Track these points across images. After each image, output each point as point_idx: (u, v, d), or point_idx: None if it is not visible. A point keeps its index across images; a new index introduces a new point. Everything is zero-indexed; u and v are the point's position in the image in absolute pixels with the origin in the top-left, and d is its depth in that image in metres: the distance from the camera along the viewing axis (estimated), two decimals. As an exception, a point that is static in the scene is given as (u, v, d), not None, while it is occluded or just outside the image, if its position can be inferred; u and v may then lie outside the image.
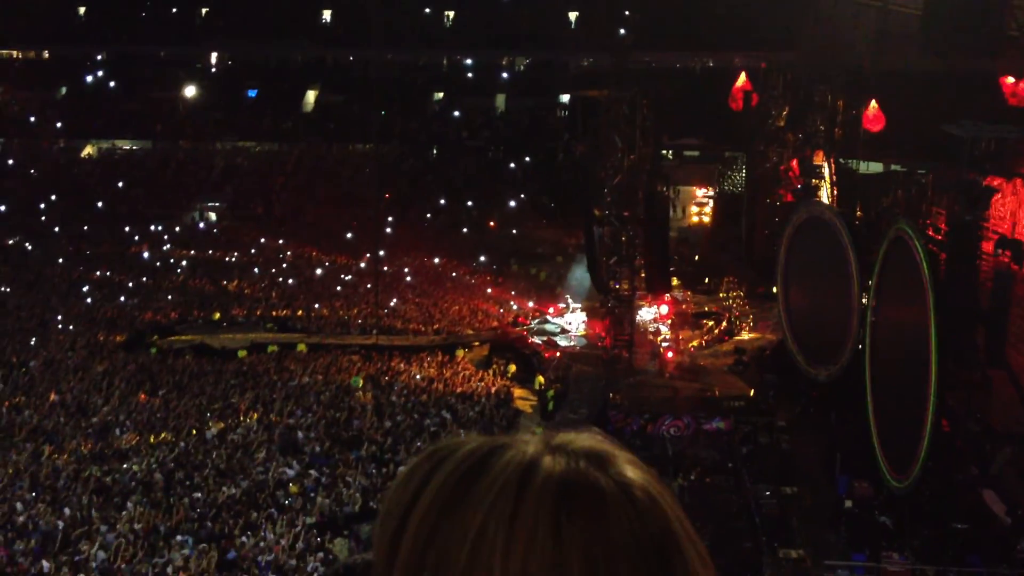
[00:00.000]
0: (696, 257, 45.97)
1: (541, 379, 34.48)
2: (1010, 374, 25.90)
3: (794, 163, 41.60)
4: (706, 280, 43.73)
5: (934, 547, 22.44)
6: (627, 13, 57.05)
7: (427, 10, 61.69)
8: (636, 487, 1.23)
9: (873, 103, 39.34)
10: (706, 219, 51.62)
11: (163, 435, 29.57)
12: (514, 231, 49.50)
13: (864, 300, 29.06)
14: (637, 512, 1.20)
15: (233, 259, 47.72)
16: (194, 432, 29.85)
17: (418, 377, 34.53)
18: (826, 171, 39.60)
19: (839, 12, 45.22)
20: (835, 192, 38.79)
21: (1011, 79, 39.35)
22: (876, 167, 43.20)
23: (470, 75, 61.53)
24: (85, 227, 50.75)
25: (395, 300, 41.84)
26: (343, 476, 27.61)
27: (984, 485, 24.08)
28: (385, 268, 44.64)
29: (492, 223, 50.78)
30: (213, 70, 63.27)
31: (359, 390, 32.81)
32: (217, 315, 39.88)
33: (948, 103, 38.29)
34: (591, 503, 1.20)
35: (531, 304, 41.85)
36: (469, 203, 52.32)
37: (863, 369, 27.94)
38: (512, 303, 42.08)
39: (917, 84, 42.29)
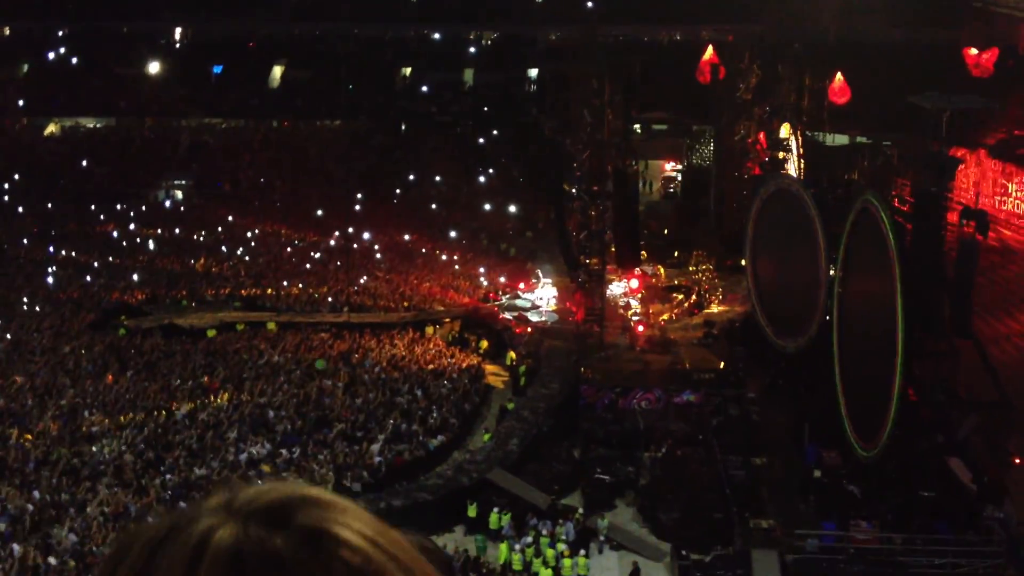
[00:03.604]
0: (665, 231, 46.09)
1: (513, 355, 34.51)
2: (975, 343, 26.20)
3: (761, 136, 41.74)
4: (675, 254, 43.87)
5: (902, 515, 22.77)
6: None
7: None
8: (329, 536, 1.15)
9: (839, 75, 39.49)
10: (675, 192, 51.75)
11: (132, 416, 29.33)
12: (485, 206, 49.31)
13: (831, 272, 29.26)
14: (324, 565, 1.13)
15: (200, 238, 47.24)
16: (164, 413, 29.63)
17: (384, 351, 34.51)
18: (793, 144, 39.76)
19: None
20: (802, 164, 38.96)
21: (974, 50, 39.66)
22: (842, 139, 43.44)
23: (438, 50, 61.09)
24: (49, 206, 50.05)
25: (365, 277, 41.68)
26: (315, 455, 27.62)
27: (950, 453, 24.40)
28: (355, 245, 44.41)
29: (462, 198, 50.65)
30: (177, 46, 62.41)
31: (323, 371, 32.70)
32: (183, 301, 39.37)
33: (913, 75, 38.52)
34: (262, 569, 1.12)
35: (502, 279, 41.78)
36: (438, 178, 52.09)
37: (831, 340, 28.17)
38: (483, 279, 42.00)
39: (882, 56, 42.57)
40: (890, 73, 40.74)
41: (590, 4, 53.45)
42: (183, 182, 53.54)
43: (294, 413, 30.09)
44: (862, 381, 26.37)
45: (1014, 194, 35.91)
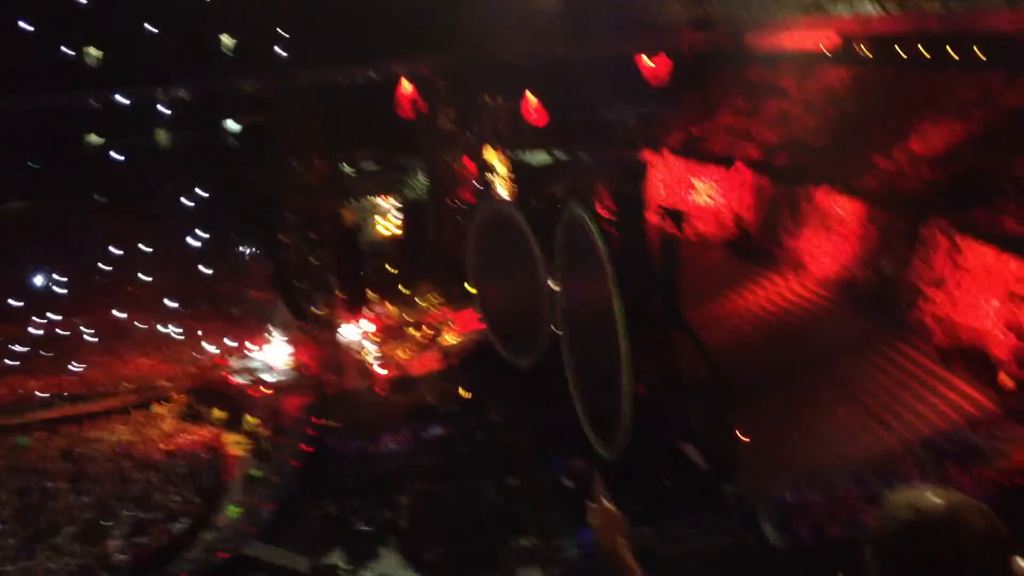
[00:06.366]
0: (389, 267, 46.10)
1: (251, 419, 33.21)
2: (688, 332, 27.80)
3: (468, 162, 42.76)
4: (403, 289, 43.94)
5: (649, 507, 23.65)
6: (281, 32, 56.14)
7: (65, 49, 57.57)
8: None
9: (531, 96, 41.11)
10: (395, 229, 51.92)
11: None
12: (202, 269, 47.26)
13: (552, 285, 30.21)
14: None
15: None
16: None
17: (109, 439, 32.43)
18: (499, 166, 40.99)
19: (487, 11, 46.82)
20: (511, 186, 40.20)
21: (647, 59, 42.48)
22: (543, 156, 45.19)
23: (126, 114, 58.08)
24: None
25: (77, 364, 38.84)
26: (47, 565, 25.29)
27: (682, 439, 25.70)
28: (61, 331, 41.34)
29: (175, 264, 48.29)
30: None
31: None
32: None
33: (598, 88, 40.71)
34: None
35: (229, 343, 40.17)
36: (146, 248, 49.38)
37: (561, 350, 29.05)
38: (208, 345, 40.20)
39: (568, 73, 44.60)
40: (578, 89, 42.74)
41: (282, 52, 52.67)
42: None
43: (17, 524, 27.51)
44: (594, 385, 27.34)
45: (699, 188, 38.77)
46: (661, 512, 23.15)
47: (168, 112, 58.26)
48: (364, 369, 36.37)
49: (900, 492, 2.77)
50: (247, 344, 39.83)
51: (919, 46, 31.95)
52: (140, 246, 49.11)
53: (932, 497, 2.69)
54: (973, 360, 22.34)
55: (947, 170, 27.41)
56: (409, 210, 50.89)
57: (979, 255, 23.48)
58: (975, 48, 29.53)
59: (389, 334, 39.78)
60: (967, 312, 23.41)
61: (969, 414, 21.23)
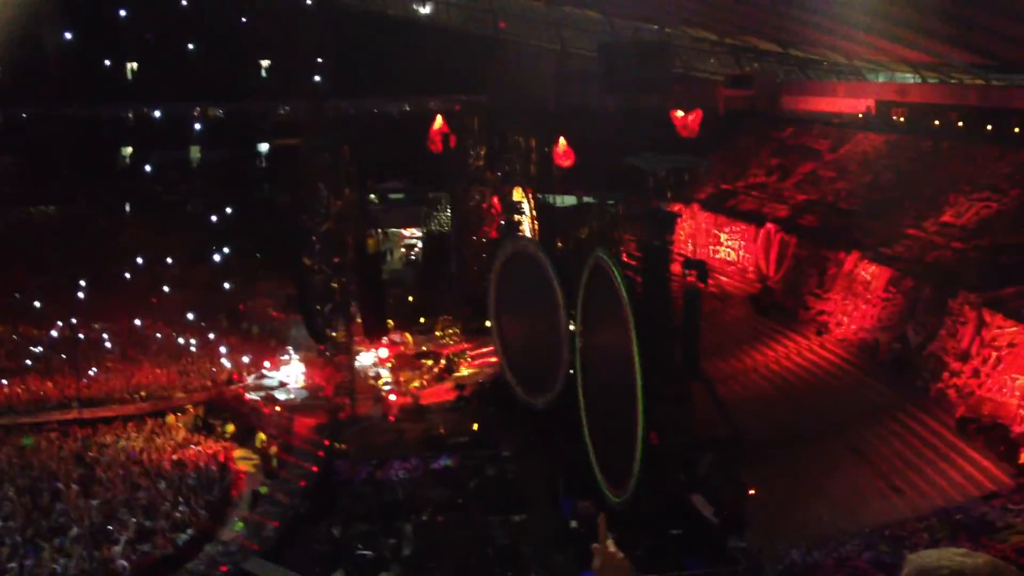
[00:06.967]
0: (410, 298, 46.35)
1: (262, 436, 33.28)
2: (705, 384, 27.86)
3: (495, 200, 43.10)
4: (422, 320, 44.16)
5: (655, 555, 23.59)
6: (320, 61, 57.00)
7: (107, 62, 58.55)
8: None
9: (562, 140, 41.52)
10: (416, 259, 52.28)
11: None
12: (223, 286, 47.64)
13: (572, 327, 30.33)
14: None
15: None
16: None
17: (121, 445, 32.49)
18: (526, 206, 41.28)
19: (522, 55, 47.54)
20: (536, 226, 40.45)
21: (680, 112, 42.92)
22: (570, 200, 45.44)
23: (160, 128, 58.95)
24: None
25: (95, 369, 39.04)
26: (50, 565, 25.29)
27: (692, 490, 25.66)
28: (81, 336, 41.59)
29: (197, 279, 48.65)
30: None
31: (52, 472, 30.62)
32: None
33: (629, 137, 41.09)
34: None
35: (246, 359, 40.35)
36: (169, 260, 49.83)
37: (576, 393, 29.09)
38: (225, 360, 40.39)
39: (600, 120, 45.11)
40: (609, 136, 43.21)
41: (317, 79, 53.45)
42: None
43: (25, 521, 27.57)
44: (608, 430, 27.36)
45: (725, 243, 38.98)
46: (668, 562, 23.08)
47: (201, 129, 59.17)
48: (378, 395, 36.46)
49: (928, 555, 2.54)
50: (264, 362, 40.00)
51: (956, 118, 32.20)
52: (165, 258, 49.58)
53: (970, 560, 2.47)
54: (993, 435, 22.28)
55: (978, 244, 27.53)
56: (432, 243, 51.27)
57: (1007, 331, 23.51)
58: (1012, 125, 29.76)
59: (405, 363, 39.94)
60: (991, 387, 23.39)
61: (984, 487, 21.14)
